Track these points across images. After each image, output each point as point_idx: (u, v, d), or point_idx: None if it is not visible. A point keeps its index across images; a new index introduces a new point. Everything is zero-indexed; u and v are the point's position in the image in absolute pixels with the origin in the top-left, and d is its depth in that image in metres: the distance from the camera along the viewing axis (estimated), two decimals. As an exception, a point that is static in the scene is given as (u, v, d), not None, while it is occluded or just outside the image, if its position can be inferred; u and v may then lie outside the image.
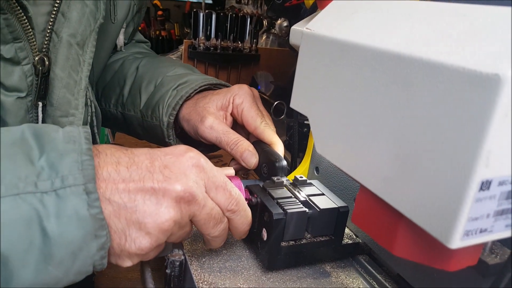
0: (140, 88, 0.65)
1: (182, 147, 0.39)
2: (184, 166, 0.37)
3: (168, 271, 0.42)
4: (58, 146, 0.32)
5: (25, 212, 0.29)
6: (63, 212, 0.30)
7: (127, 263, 0.36)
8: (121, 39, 0.69)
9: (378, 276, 0.47)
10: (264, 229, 0.44)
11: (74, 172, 0.31)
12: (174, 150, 0.38)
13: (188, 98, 0.60)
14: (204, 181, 0.38)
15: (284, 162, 0.50)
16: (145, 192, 0.34)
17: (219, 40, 1.30)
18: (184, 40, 1.34)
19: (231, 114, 0.57)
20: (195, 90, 0.60)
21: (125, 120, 0.69)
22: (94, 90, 0.63)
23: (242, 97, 0.56)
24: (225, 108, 0.57)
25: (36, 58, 0.47)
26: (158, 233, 0.35)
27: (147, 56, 0.74)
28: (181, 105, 0.60)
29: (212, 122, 0.54)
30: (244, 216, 0.41)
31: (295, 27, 0.45)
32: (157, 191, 0.34)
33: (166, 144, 0.64)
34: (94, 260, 0.33)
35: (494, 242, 0.34)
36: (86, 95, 0.55)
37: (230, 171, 0.46)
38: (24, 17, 0.44)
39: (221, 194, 0.39)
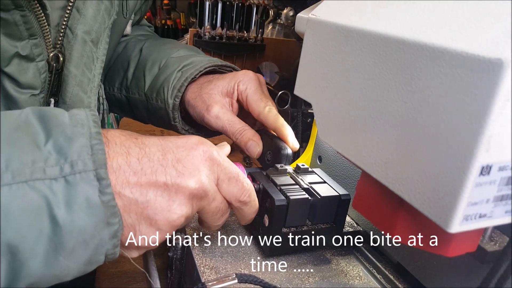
0: (144, 71, 0.64)
1: (193, 139, 0.37)
2: (197, 160, 0.35)
3: (170, 254, 0.43)
4: (65, 130, 0.30)
5: (34, 200, 0.27)
6: (73, 200, 0.29)
7: (134, 254, 0.36)
8: (128, 30, 0.68)
9: (378, 264, 0.47)
10: (266, 215, 0.44)
11: (84, 157, 0.29)
12: (186, 142, 0.36)
13: (193, 80, 0.59)
14: (216, 174, 0.37)
15: (290, 151, 0.50)
16: (157, 187, 0.33)
17: (225, 29, 1.30)
18: (190, 29, 1.33)
19: (237, 101, 0.57)
20: (200, 72, 0.59)
21: (129, 103, 0.68)
22: (103, 85, 0.63)
23: (246, 84, 0.55)
24: (230, 95, 0.56)
25: (51, 55, 0.46)
26: (169, 229, 0.34)
27: (150, 38, 0.72)
28: (186, 87, 0.59)
29: (218, 112, 0.54)
30: (253, 206, 0.41)
31: (300, 14, 0.45)
32: (170, 187, 0.33)
33: (172, 127, 0.63)
34: (106, 249, 0.31)
35: (493, 230, 0.34)
36: (98, 92, 0.53)
37: (226, 148, 0.44)
38: (42, 14, 0.42)
39: (234, 186, 0.38)
